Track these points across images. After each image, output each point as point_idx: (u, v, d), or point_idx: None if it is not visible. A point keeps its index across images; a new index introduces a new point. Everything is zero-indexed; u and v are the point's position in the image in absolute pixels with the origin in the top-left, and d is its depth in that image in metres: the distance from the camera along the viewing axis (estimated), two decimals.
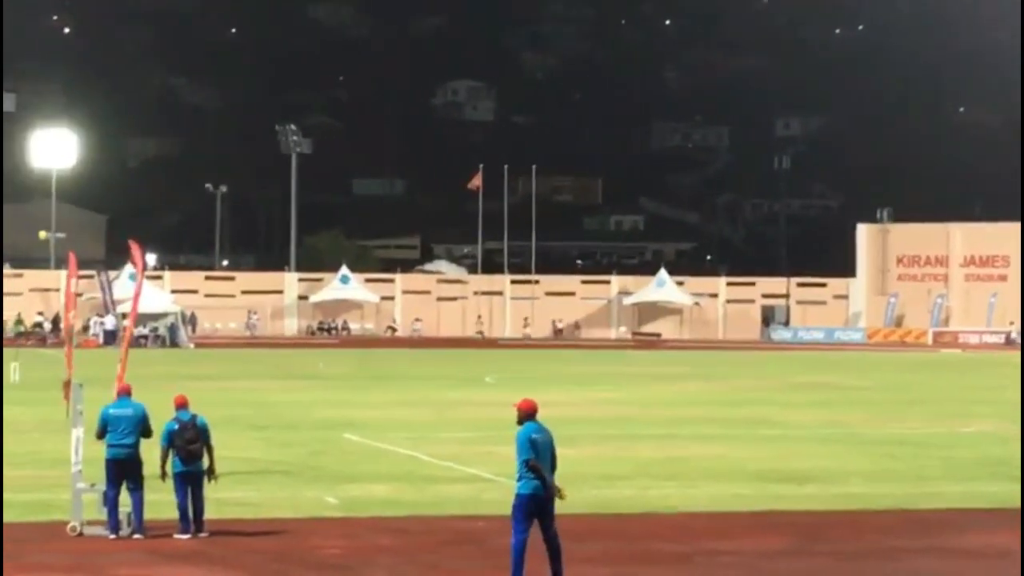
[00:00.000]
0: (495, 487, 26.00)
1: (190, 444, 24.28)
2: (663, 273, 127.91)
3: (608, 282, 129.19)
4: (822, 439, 42.29)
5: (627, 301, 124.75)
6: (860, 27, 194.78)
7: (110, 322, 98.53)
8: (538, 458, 20.70)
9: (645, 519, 27.09)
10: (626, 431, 42.64)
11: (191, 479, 24.34)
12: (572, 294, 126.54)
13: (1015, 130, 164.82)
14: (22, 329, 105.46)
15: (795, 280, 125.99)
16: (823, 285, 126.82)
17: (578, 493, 23.81)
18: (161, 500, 24.73)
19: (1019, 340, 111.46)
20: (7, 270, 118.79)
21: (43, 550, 23.57)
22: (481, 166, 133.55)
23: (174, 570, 22.35)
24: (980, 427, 46.91)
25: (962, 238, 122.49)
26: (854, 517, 27.91)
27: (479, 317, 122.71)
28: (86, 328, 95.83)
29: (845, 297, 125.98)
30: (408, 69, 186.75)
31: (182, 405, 24.74)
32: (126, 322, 54.84)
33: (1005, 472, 34.68)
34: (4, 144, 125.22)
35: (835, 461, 36.50)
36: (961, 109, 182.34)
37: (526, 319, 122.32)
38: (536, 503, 20.55)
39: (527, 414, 20.61)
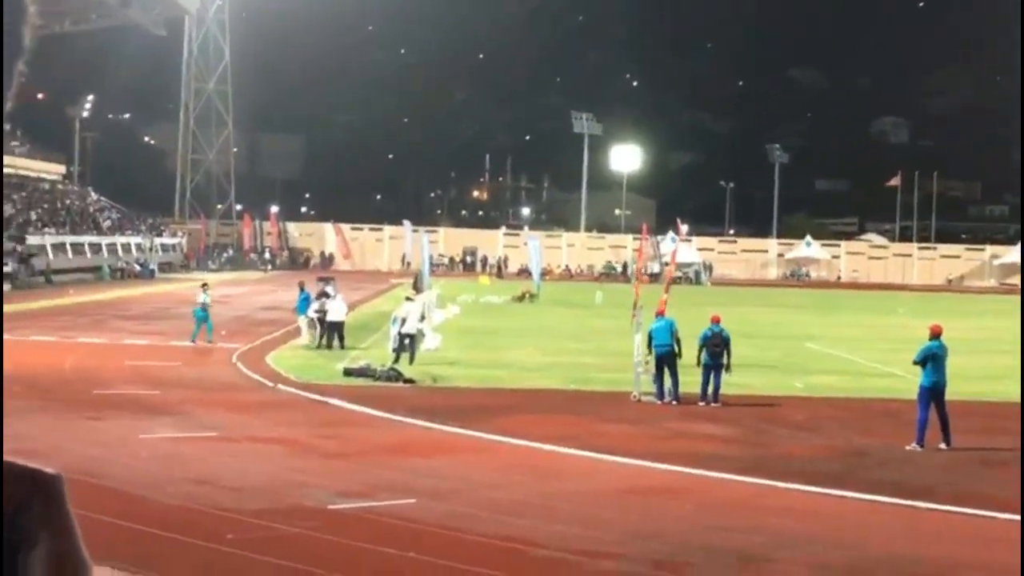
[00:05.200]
0: (905, 381, 25.22)
1: (716, 347, 24.56)
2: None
3: (983, 250, 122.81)
4: None
5: (996, 263, 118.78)
6: None
7: (656, 267, 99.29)
8: (935, 364, 20.23)
9: (990, 406, 25.92)
10: (986, 348, 40.36)
11: (714, 369, 24.58)
12: (958, 257, 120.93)
13: None
14: (605, 272, 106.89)
15: None
16: None
17: (960, 387, 23.06)
18: (689, 380, 24.98)
19: None
20: (595, 233, 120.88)
21: (615, 409, 24.11)
22: (900, 172, 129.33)
23: (699, 424, 22.58)
24: None
25: None
26: None
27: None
28: (642, 270, 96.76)
29: None
30: (850, 109, 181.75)
31: (716, 321, 25.08)
32: (668, 267, 55.11)
33: None
34: (595, 158, 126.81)
35: None
36: None
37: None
38: (933, 392, 20.09)
39: (935, 334, 20.59)
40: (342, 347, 34.18)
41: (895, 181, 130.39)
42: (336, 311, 34.98)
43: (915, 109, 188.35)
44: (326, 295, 35.91)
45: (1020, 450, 18.86)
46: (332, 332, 34.75)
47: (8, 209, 71.69)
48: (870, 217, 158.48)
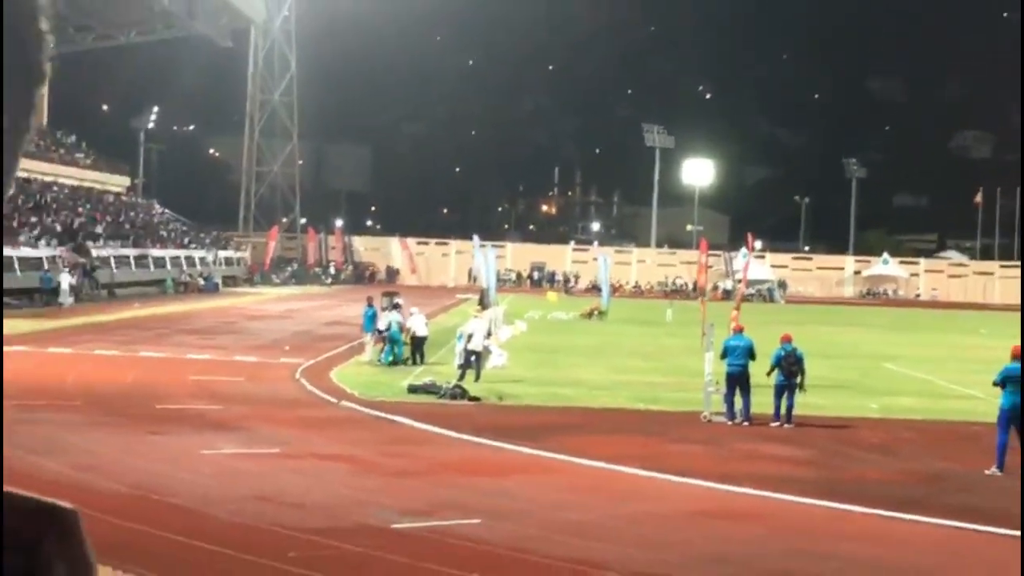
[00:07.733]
0: (986, 404, 24.97)
1: (791, 366, 24.45)
2: None
3: None
4: None
5: None
6: None
7: (729, 284, 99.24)
8: (1015, 386, 20.04)
9: None
10: None
11: (788, 389, 24.48)
12: None
13: None
14: (674, 287, 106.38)
15: None
16: None
17: None
18: (761, 401, 24.85)
19: None
20: (666, 249, 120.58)
21: (683, 430, 24.11)
22: (980, 189, 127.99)
23: (771, 446, 22.50)
24: None
25: None
26: None
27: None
28: (714, 288, 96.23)
29: None
30: (930, 122, 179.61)
31: (787, 340, 25.00)
32: (740, 284, 54.91)
33: None
34: (666, 172, 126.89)
35: None
36: None
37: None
38: (1013, 414, 19.93)
39: (1015, 355, 20.52)
40: (422, 362, 34.55)
41: (978, 199, 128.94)
42: (420, 326, 35.56)
43: (998, 122, 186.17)
44: (397, 306, 36.28)
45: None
46: (416, 347, 35.19)
47: (73, 221, 72.54)
48: (950, 234, 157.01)
